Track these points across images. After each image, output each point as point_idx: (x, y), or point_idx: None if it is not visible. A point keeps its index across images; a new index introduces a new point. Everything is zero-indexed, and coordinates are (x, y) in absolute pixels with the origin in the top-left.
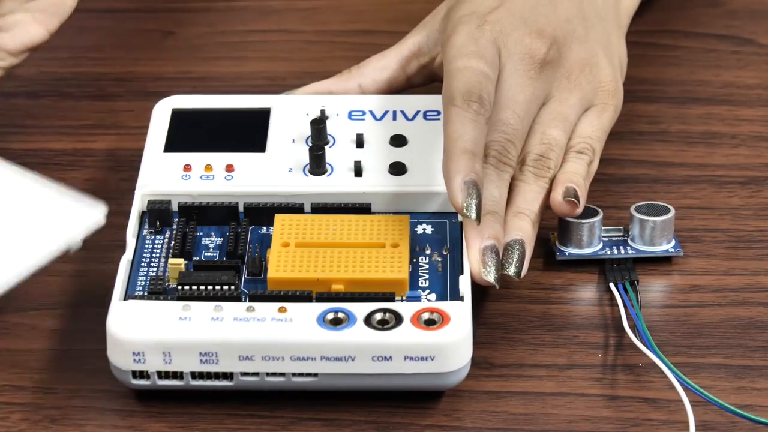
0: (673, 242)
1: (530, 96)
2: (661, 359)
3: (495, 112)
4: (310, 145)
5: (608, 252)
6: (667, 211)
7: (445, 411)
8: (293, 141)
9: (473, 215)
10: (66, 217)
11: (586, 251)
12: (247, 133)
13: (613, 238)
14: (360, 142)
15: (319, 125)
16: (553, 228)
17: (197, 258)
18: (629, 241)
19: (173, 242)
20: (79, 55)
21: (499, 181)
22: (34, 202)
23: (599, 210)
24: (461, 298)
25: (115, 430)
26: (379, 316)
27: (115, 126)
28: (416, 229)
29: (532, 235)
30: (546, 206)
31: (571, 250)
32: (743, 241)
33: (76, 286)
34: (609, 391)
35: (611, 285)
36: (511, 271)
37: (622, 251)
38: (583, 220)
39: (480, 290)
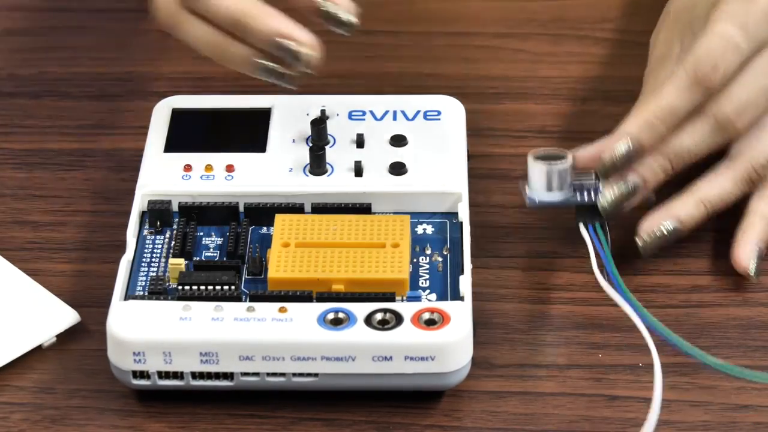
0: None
1: None
2: (628, 300)
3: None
4: (311, 145)
5: (579, 198)
6: None
7: (445, 411)
8: (293, 141)
9: (605, 166)
10: (39, 319)
11: (557, 198)
12: (247, 133)
13: (585, 183)
14: (360, 142)
15: (319, 125)
16: (523, 174)
17: (197, 258)
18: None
19: (173, 242)
20: (79, 55)
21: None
22: (10, 301)
23: (569, 153)
24: (461, 298)
25: (115, 430)
26: (379, 316)
27: (115, 126)
28: (416, 229)
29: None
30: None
31: (542, 198)
32: None
33: (76, 286)
34: (609, 391)
35: (580, 225)
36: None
37: (593, 197)
38: (553, 164)
39: (480, 290)
